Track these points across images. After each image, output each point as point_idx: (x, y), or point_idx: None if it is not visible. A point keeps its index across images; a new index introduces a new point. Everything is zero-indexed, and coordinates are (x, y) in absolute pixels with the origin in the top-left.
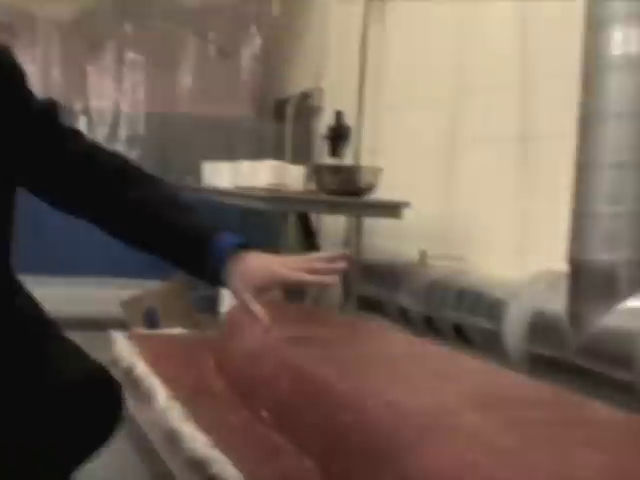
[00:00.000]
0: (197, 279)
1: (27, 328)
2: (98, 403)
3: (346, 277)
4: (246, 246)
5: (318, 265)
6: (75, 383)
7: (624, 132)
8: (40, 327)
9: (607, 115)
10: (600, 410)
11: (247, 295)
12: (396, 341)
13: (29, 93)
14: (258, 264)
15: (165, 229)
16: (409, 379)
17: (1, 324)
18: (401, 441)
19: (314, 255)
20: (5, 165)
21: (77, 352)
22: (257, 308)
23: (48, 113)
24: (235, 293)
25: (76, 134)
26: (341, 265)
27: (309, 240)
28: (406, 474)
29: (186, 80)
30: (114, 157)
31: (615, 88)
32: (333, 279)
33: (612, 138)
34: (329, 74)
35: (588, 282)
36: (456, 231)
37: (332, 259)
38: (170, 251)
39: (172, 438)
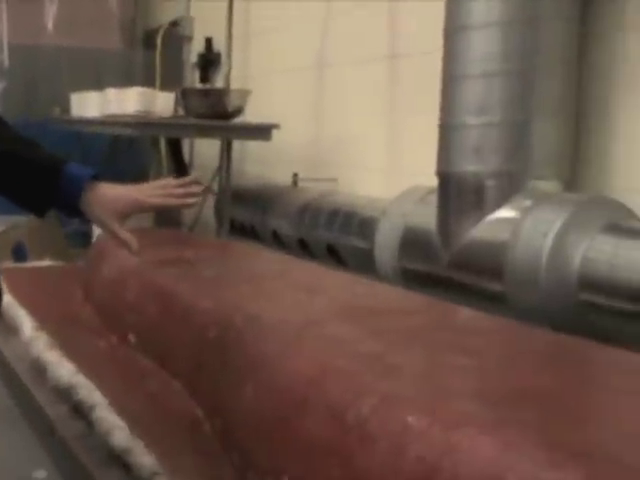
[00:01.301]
0: (54, 212)
1: None
2: None
3: (218, 203)
4: (96, 176)
5: (174, 190)
6: None
7: (490, 42)
8: None
9: (473, 26)
10: (468, 315)
11: (114, 223)
12: (264, 260)
13: None
14: (117, 193)
15: (12, 166)
16: (275, 294)
17: None
18: (264, 353)
19: (165, 181)
20: None
21: None
22: (125, 235)
23: None
24: (99, 222)
25: None
26: (196, 188)
27: (179, 167)
28: (270, 385)
29: (52, 11)
30: None
31: None
32: (191, 201)
33: (478, 49)
34: (198, 2)
35: (456, 195)
36: (328, 153)
37: (185, 184)
38: (20, 187)
39: (38, 368)
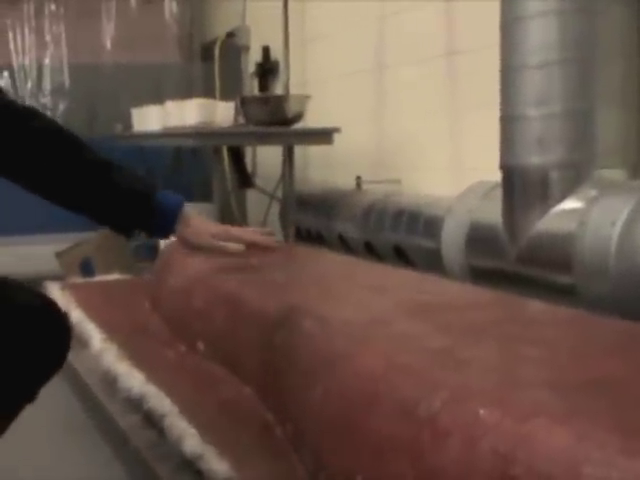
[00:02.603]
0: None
1: None
2: (49, 325)
3: (283, 210)
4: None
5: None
6: (27, 306)
7: (548, 31)
8: None
9: (529, 15)
10: (538, 308)
11: (209, 241)
12: (330, 262)
13: None
14: (207, 221)
15: (103, 189)
16: (342, 295)
17: None
18: (332, 354)
19: (246, 230)
20: None
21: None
22: (224, 244)
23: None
24: (192, 245)
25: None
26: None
27: (242, 176)
28: (338, 384)
29: (109, 29)
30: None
31: None
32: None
33: (535, 38)
34: (253, 11)
35: (521, 188)
36: (390, 154)
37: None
38: (111, 211)
39: (108, 380)
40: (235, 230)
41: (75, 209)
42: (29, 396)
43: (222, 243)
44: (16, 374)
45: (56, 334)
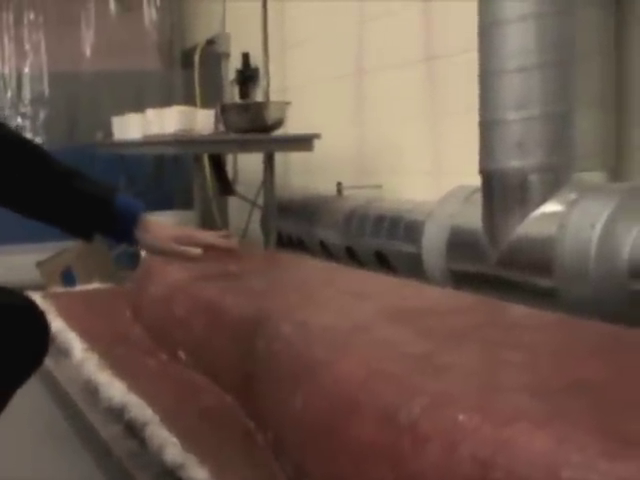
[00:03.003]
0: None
1: None
2: (27, 324)
3: (264, 216)
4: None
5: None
6: (6, 305)
7: (526, 35)
8: None
9: (507, 19)
10: (518, 312)
11: (169, 244)
12: (310, 268)
13: None
14: (167, 225)
15: (62, 196)
16: (322, 301)
17: None
18: (312, 360)
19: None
20: None
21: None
22: (181, 248)
23: None
24: (152, 249)
25: None
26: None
27: (223, 183)
28: (319, 391)
29: (89, 37)
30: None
31: None
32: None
33: (514, 42)
34: (233, 18)
35: (501, 192)
36: (371, 160)
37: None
38: (70, 217)
39: (89, 389)
40: (196, 233)
41: (35, 216)
42: (5, 398)
43: (183, 248)
44: None
45: (34, 333)
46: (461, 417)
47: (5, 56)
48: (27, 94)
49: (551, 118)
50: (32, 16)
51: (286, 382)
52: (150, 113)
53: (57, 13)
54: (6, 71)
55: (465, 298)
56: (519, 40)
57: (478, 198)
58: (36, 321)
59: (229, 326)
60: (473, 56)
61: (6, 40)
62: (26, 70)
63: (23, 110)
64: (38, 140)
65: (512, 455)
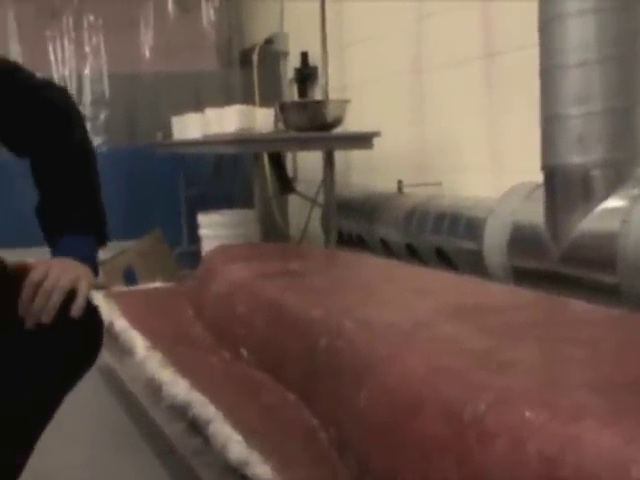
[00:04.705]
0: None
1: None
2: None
3: (324, 215)
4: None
5: None
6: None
7: (586, 30)
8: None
9: (568, 14)
10: (581, 308)
11: None
12: (371, 266)
13: None
14: None
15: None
16: (383, 298)
17: None
18: (376, 357)
19: None
20: None
21: None
22: None
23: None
24: None
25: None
26: None
27: (283, 181)
28: (382, 387)
29: (148, 38)
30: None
31: None
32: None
33: (574, 37)
34: (291, 17)
35: (563, 188)
36: (431, 157)
37: None
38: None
39: (152, 387)
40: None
41: (36, 181)
42: (61, 394)
43: None
44: (50, 368)
45: (89, 328)
46: (528, 413)
47: (65, 59)
48: (87, 96)
49: (612, 113)
50: (92, 18)
51: (349, 379)
52: (210, 113)
53: (116, 15)
54: (66, 73)
55: (526, 294)
56: (579, 35)
57: (539, 195)
58: (90, 317)
59: (291, 324)
60: (531, 52)
61: (66, 42)
62: (86, 72)
63: (84, 112)
64: (98, 140)
65: (580, 452)
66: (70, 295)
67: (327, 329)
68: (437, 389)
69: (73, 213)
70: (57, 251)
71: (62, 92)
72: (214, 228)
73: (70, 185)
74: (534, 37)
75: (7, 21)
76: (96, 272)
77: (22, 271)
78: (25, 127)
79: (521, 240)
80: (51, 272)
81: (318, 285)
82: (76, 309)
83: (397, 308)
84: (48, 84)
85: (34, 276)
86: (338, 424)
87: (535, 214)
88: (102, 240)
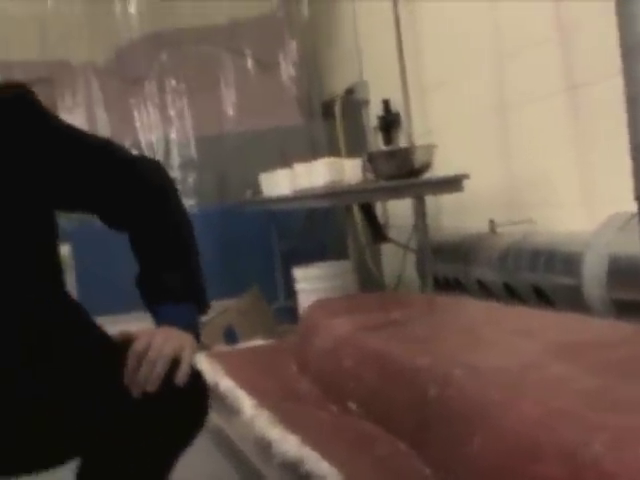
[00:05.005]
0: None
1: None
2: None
3: (419, 260)
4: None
5: None
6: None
7: None
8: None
9: None
10: None
11: None
12: (471, 309)
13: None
14: None
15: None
16: (489, 342)
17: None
18: (488, 403)
19: None
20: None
21: None
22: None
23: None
24: None
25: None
26: None
27: (375, 230)
28: (496, 432)
29: (230, 98)
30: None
31: None
32: None
33: None
34: (370, 66)
35: None
36: (521, 194)
37: None
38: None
39: (262, 445)
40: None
41: (135, 254)
42: (171, 462)
43: None
44: (160, 437)
45: (194, 394)
46: None
47: (151, 123)
48: (175, 159)
49: None
50: (173, 83)
51: (461, 425)
52: (298, 167)
53: (197, 78)
54: (153, 139)
55: (629, 328)
56: None
57: (634, 224)
58: (194, 382)
59: (399, 374)
60: (615, 82)
61: (151, 108)
62: (172, 136)
63: (173, 175)
64: (189, 202)
65: None
66: (174, 363)
67: (435, 377)
68: (553, 432)
69: (173, 284)
70: (159, 320)
71: (155, 165)
72: (310, 282)
73: (169, 257)
74: (616, 66)
75: (92, 91)
76: (198, 338)
77: (126, 341)
78: (122, 204)
79: (620, 272)
80: (154, 341)
81: (421, 333)
82: (181, 377)
83: (502, 351)
84: (141, 158)
85: (138, 346)
86: (453, 472)
87: (632, 244)
88: (202, 307)
